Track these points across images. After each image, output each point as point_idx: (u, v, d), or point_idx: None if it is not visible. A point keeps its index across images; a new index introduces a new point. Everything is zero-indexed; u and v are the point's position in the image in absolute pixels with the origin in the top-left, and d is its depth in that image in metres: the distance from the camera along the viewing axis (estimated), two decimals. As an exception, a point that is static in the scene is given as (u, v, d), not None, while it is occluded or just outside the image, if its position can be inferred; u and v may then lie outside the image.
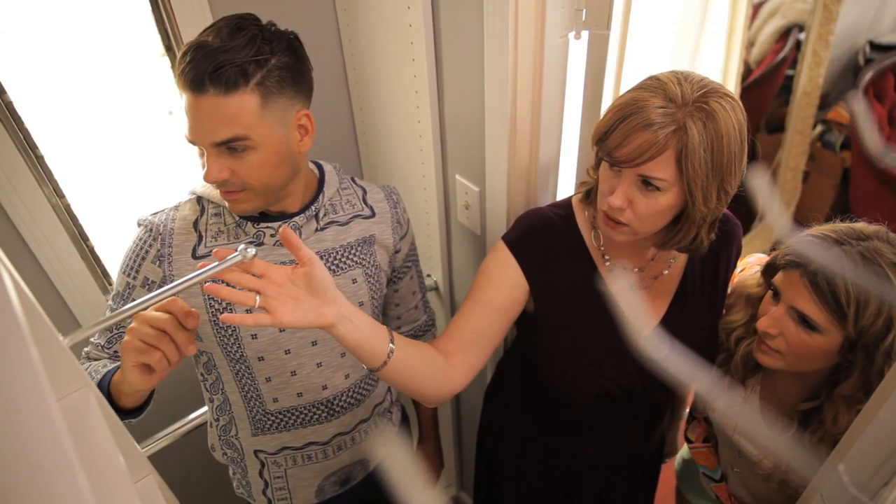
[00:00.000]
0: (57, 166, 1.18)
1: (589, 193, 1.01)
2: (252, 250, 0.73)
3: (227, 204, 0.91)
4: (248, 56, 0.80)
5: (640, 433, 1.20)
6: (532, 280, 1.01)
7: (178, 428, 1.26)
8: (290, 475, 1.14)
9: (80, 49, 1.14)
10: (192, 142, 0.85)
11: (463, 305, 1.02)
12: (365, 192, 1.08)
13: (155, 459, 1.00)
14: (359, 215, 1.05)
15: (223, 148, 0.84)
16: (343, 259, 1.03)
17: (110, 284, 1.36)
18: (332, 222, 1.02)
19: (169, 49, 1.20)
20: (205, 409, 1.29)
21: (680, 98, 0.81)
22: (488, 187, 1.21)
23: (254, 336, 0.98)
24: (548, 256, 1.02)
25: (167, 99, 1.27)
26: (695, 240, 0.92)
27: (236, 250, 0.73)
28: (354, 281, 1.04)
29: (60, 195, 1.20)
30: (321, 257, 1.00)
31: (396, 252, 1.12)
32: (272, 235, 0.97)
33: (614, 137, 0.84)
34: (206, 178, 0.84)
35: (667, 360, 1.01)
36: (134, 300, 0.92)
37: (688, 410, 1.36)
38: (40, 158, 1.14)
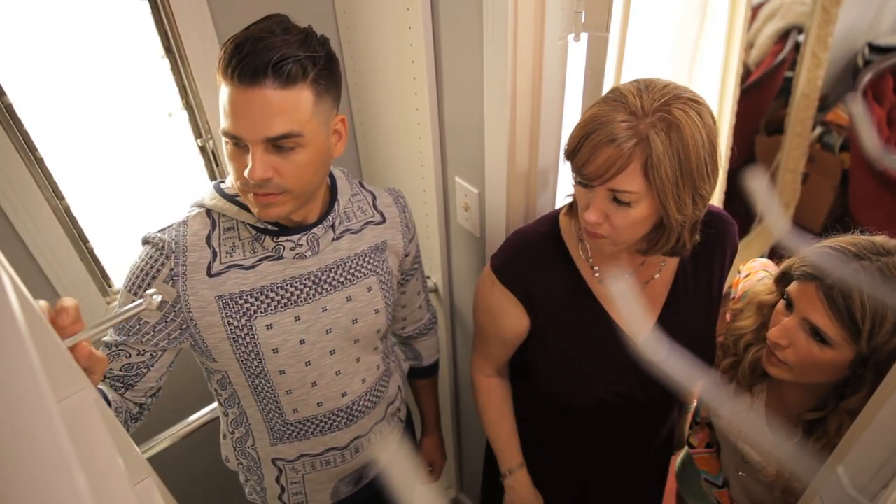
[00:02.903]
0: (56, 168, 1.18)
1: (573, 206, 1.01)
2: (158, 297, 0.70)
3: (254, 210, 0.87)
4: (307, 52, 0.80)
5: (644, 435, 1.20)
6: (526, 302, 1.04)
7: (179, 430, 1.26)
8: (308, 480, 1.14)
9: (79, 51, 1.14)
10: (238, 137, 0.81)
11: (481, 342, 1.16)
12: (374, 197, 1.07)
13: (154, 461, 0.99)
14: (370, 221, 1.05)
15: (271, 145, 0.81)
16: (358, 267, 1.02)
17: (110, 286, 1.36)
18: (346, 230, 1.01)
19: (169, 51, 1.20)
20: (205, 410, 1.29)
21: (640, 110, 0.81)
22: (488, 189, 1.21)
23: (275, 350, 0.97)
24: (536, 274, 1.03)
25: (167, 101, 1.27)
26: (678, 243, 0.93)
27: (141, 298, 0.69)
28: (370, 289, 1.03)
29: (60, 197, 1.20)
30: (337, 267, 1.00)
31: (406, 256, 1.12)
32: (292, 249, 0.95)
33: (581, 155, 0.85)
34: (252, 176, 0.81)
35: (662, 364, 1.01)
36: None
37: (691, 414, 1.36)
38: (40, 160, 1.14)
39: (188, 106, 1.28)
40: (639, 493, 1.32)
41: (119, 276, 1.38)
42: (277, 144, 0.81)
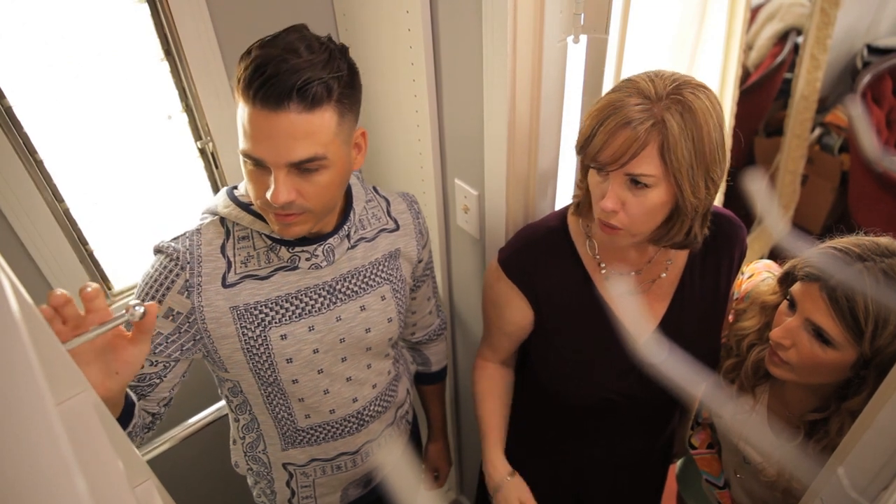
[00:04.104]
0: (56, 171, 1.18)
1: (580, 205, 1.00)
2: (140, 309, 0.67)
3: (275, 227, 0.86)
4: (331, 72, 0.78)
5: (645, 435, 1.21)
6: (531, 296, 1.04)
7: (179, 433, 1.26)
8: (318, 484, 1.14)
9: (79, 53, 1.14)
10: (260, 160, 0.79)
11: (487, 332, 1.17)
12: (388, 203, 1.06)
13: (154, 464, 0.99)
14: (384, 229, 1.03)
15: (294, 168, 0.79)
16: (372, 276, 1.01)
17: (109, 289, 1.36)
18: (361, 239, 1.00)
19: (168, 53, 1.20)
20: (205, 412, 1.29)
21: (654, 93, 0.82)
22: (487, 191, 1.21)
23: (289, 360, 0.96)
24: (542, 269, 1.03)
25: (166, 103, 1.27)
26: (689, 234, 0.93)
27: (126, 311, 0.67)
28: (383, 298, 1.03)
29: (59, 200, 1.20)
30: (351, 276, 0.99)
31: (419, 262, 1.11)
32: (307, 259, 0.93)
33: (596, 142, 0.85)
34: (275, 200, 0.79)
35: (665, 364, 1.01)
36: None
37: (691, 420, 1.36)
38: (39, 163, 1.14)
39: (188, 108, 1.28)
40: (637, 495, 1.32)
41: (118, 279, 1.37)
42: (301, 167, 0.80)
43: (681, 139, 0.81)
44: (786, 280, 0.98)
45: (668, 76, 0.85)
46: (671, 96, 0.82)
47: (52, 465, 0.28)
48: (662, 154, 0.82)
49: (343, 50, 0.83)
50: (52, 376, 0.44)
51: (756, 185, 0.92)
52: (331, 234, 0.94)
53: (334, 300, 0.98)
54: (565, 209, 1.08)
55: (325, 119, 0.78)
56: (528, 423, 1.23)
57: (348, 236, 0.97)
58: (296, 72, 0.74)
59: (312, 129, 0.77)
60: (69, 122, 1.18)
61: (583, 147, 0.88)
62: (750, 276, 1.14)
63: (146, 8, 1.15)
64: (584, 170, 0.94)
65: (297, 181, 0.81)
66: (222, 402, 1.33)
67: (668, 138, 0.81)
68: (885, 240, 0.89)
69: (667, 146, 0.81)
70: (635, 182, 0.85)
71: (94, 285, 0.66)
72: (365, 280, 1.00)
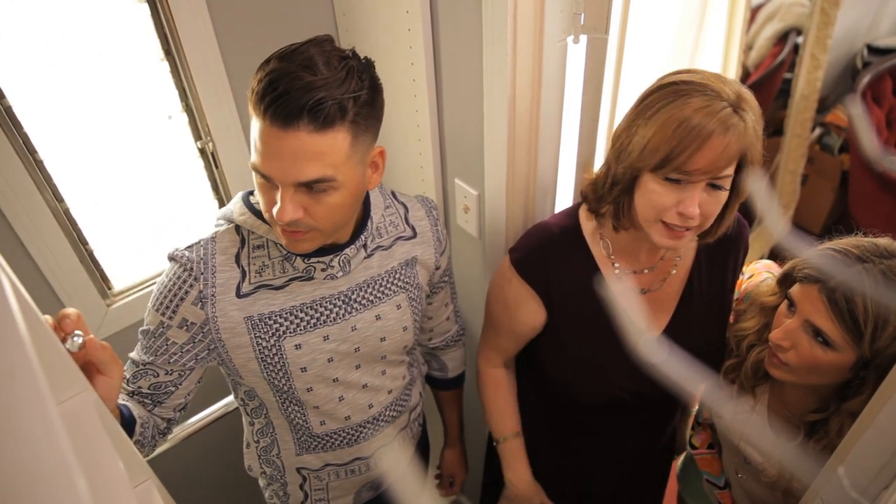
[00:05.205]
0: (56, 171, 1.17)
1: (617, 211, 0.95)
2: (79, 339, 0.64)
3: (283, 241, 0.85)
4: (347, 92, 0.75)
5: (651, 432, 1.21)
6: (544, 296, 1.04)
7: (180, 432, 1.26)
8: (332, 487, 1.14)
9: (79, 53, 1.14)
10: (267, 176, 0.78)
11: (493, 334, 1.15)
12: (407, 209, 1.04)
13: (154, 463, 0.99)
14: (401, 237, 1.02)
15: (302, 186, 0.78)
16: (388, 285, 1.00)
17: (109, 289, 1.36)
18: (377, 247, 0.99)
19: (168, 53, 1.20)
20: (207, 411, 1.29)
21: (735, 96, 0.83)
22: (487, 191, 1.21)
23: (303, 369, 0.96)
24: (556, 269, 1.03)
25: (166, 103, 1.27)
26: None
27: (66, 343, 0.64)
28: (399, 307, 1.02)
29: (60, 199, 1.20)
30: (367, 286, 0.98)
31: (437, 269, 1.09)
32: (323, 270, 0.92)
33: (686, 154, 0.82)
34: (280, 218, 0.78)
35: (675, 361, 1.02)
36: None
37: (693, 417, 1.36)
38: (39, 163, 1.14)
39: (188, 108, 1.28)
40: (640, 491, 1.33)
41: (118, 279, 1.37)
42: (309, 187, 0.78)
43: (755, 139, 0.84)
44: (785, 281, 0.98)
45: (714, 74, 0.86)
46: (743, 97, 0.83)
47: (52, 465, 0.28)
48: (744, 155, 0.84)
49: (366, 66, 0.80)
50: (52, 376, 0.44)
51: (756, 185, 0.92)
52: (347, 245, 0.93)
53: (349, 310, 0.97)
54: (574, 208, 1.08)
55: (336, 140, 0.76)
56: (535, 420, 1.23)
57: (365, 246, 0.96)
58: (309, 90, 0.72)
59: (322, 149, 0.75)
60: (69, 122, 1.18)
61: (665, 161, 0.83)
62: (750, 277, 1.14)
63: (146, 8, 1.15)
64: (629, 180, 0.90)
65: (305, 200, 0.79)
66: (223, 402, 1.34)
67: (749, 140, 0.83)
68: (884, 241, 0.89)
69: (749, 147, 0.84)
70: (713, 185, 0.85)
71: (73, 311, 0.64)
72: (380, 289, 0.99)
